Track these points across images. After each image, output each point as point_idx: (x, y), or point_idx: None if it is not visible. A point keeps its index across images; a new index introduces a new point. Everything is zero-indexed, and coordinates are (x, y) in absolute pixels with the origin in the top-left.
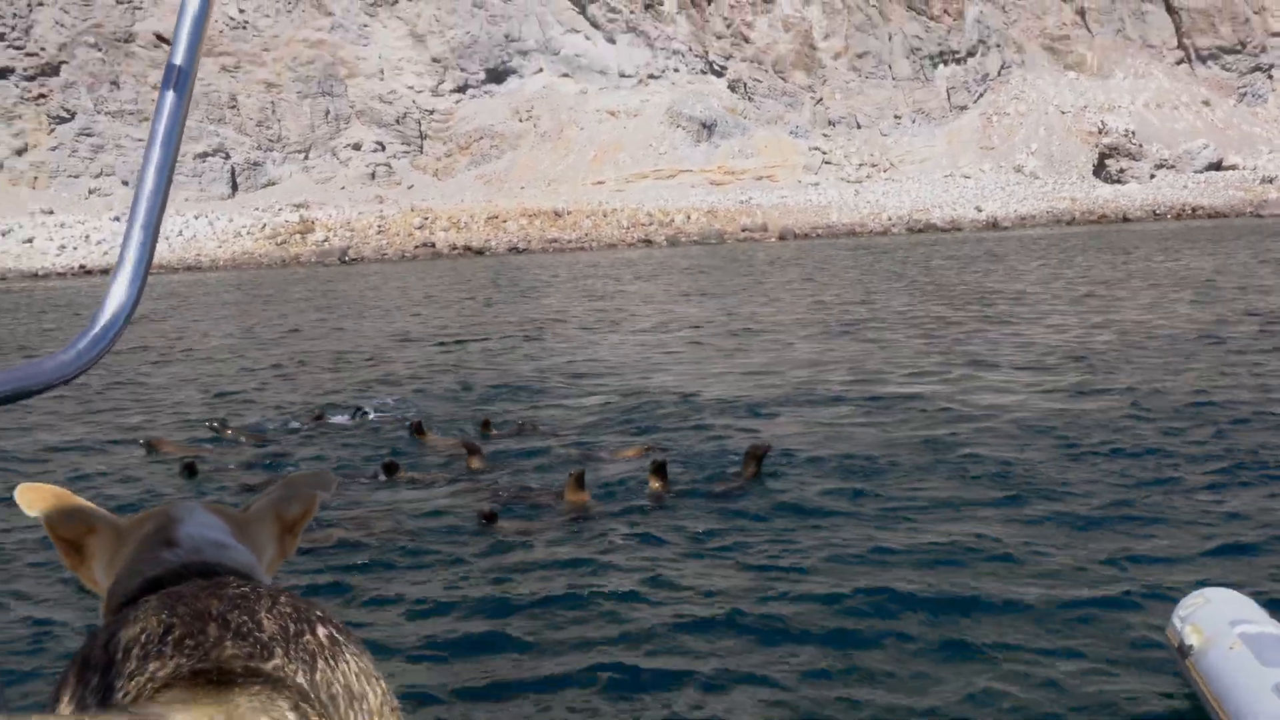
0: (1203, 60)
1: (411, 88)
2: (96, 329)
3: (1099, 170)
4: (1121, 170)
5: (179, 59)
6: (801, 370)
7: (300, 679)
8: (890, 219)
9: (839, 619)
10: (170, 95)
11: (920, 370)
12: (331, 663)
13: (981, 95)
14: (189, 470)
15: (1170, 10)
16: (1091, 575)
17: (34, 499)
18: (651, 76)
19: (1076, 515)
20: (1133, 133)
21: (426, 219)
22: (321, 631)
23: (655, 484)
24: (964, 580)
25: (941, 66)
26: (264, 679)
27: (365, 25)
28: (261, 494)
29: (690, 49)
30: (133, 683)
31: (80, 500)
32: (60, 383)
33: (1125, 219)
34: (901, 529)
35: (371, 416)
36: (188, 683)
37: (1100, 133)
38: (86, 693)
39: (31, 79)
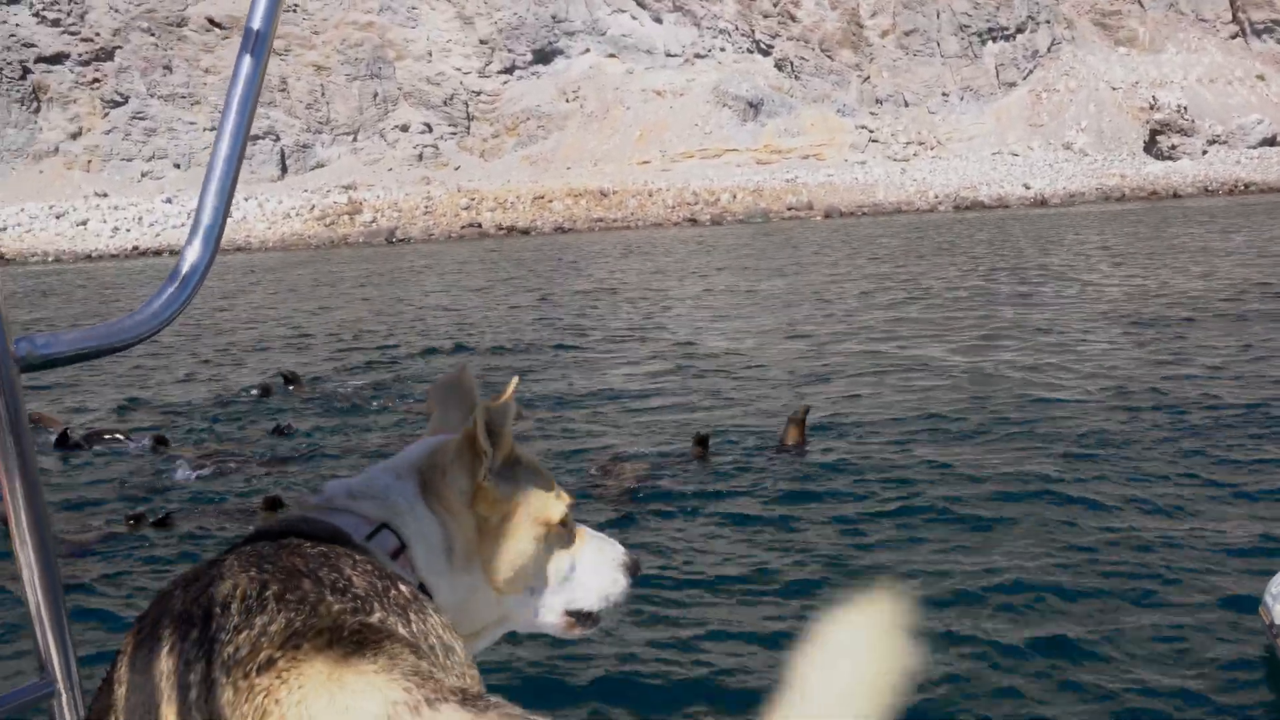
0: (1257, 34)
1: (459, 69)
2: (171, 289)
3: (1150, 147)
4: (1173, 146)
5: (257, 22)
6: (862, 341)
7: (402, 630)
8: (937, 197)
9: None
10: (247, 60)
11: (989, 338)
12: (421, 616)
13: (1031, 72)
14: (159, 442)
15: None
16: (1182, 552)
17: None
18: (698, 56)
19: (1162, 489)
20: (1185, 108)
21: (473, 200)
22: (404, 588)
23: (697, 452)
24: (1043, 553)
25: (990, 43)
26: (384, 634)
27: (414, 8)
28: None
29: (736, 28)
30: (241, 636)
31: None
32: (137, 341)
33: (1176, 195)
34: (978, 498)
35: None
36: (317, 645)
37: (1152, 109)
38: (187, 645)
39: (86, 64)
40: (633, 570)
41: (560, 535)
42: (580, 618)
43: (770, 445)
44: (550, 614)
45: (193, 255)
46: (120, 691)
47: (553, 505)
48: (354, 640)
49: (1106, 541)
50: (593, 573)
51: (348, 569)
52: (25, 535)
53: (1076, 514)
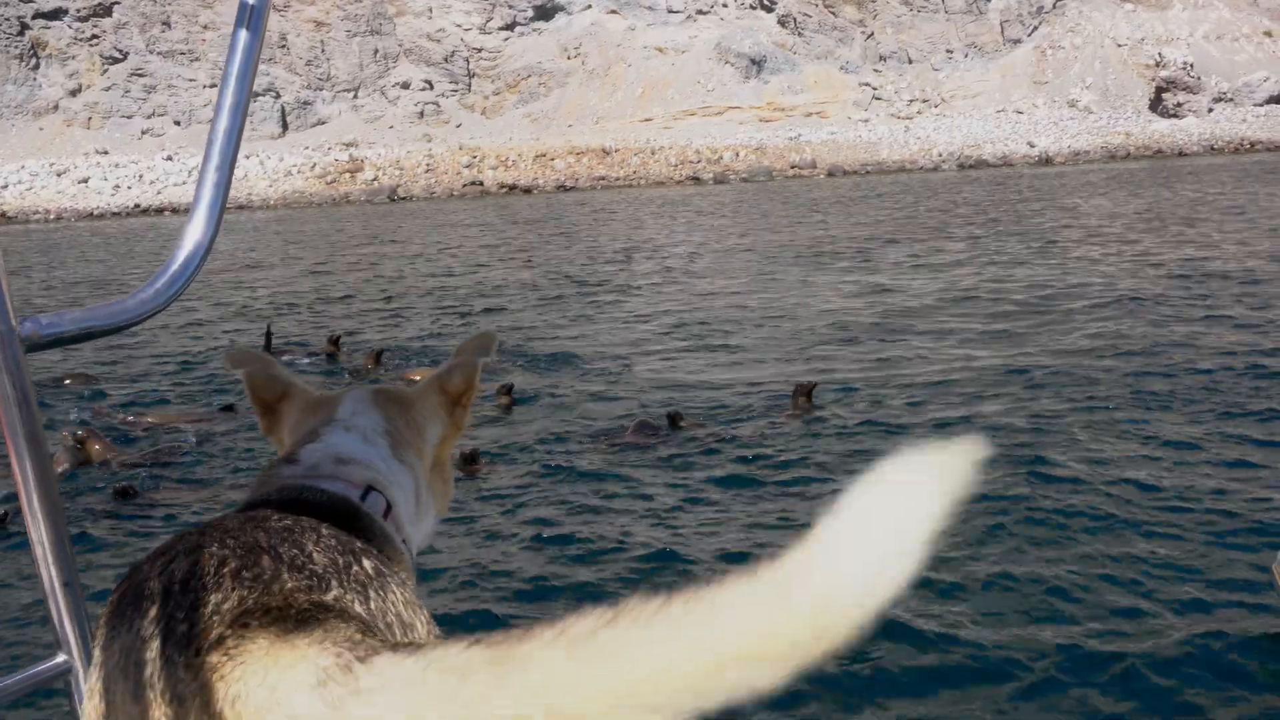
0: None
1: (460, 26)
2: (174, 267)
3: (1155, 104)
4: (1179, 104)
5: None
6: (874, 303)
7: (359, 609)
8: (940, 155)
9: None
10: (244, 34)
11: (1017, 303)
12: (381, 593)
13: (1036, 28)
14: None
15: None
16: (1196, 514)
17: (239, 359)
18: (700, 12)
19: (1178, 451)
20: (1191, 65)
21: (474, 157)
22: (367, 563)
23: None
24: (1060, 514)
25: None
26: (333, 613)
27: None
28: (443, 365)
29: None
30: (196, 613)
31: (281, 369)
32: (140, 320)
33: (1181, 154)
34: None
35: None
36: (264, 622)
37: (1157, 65)
38: (148, 623)
39: (84, 20)
40: None
41: None
42: None
43: (774, 408)
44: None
45: (195, 233)
46: (93, 672)
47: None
48: (299, 618)
49: (1114, 505)
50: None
51: (310, 545)
52: (37, 513)
53: (1079, 475)
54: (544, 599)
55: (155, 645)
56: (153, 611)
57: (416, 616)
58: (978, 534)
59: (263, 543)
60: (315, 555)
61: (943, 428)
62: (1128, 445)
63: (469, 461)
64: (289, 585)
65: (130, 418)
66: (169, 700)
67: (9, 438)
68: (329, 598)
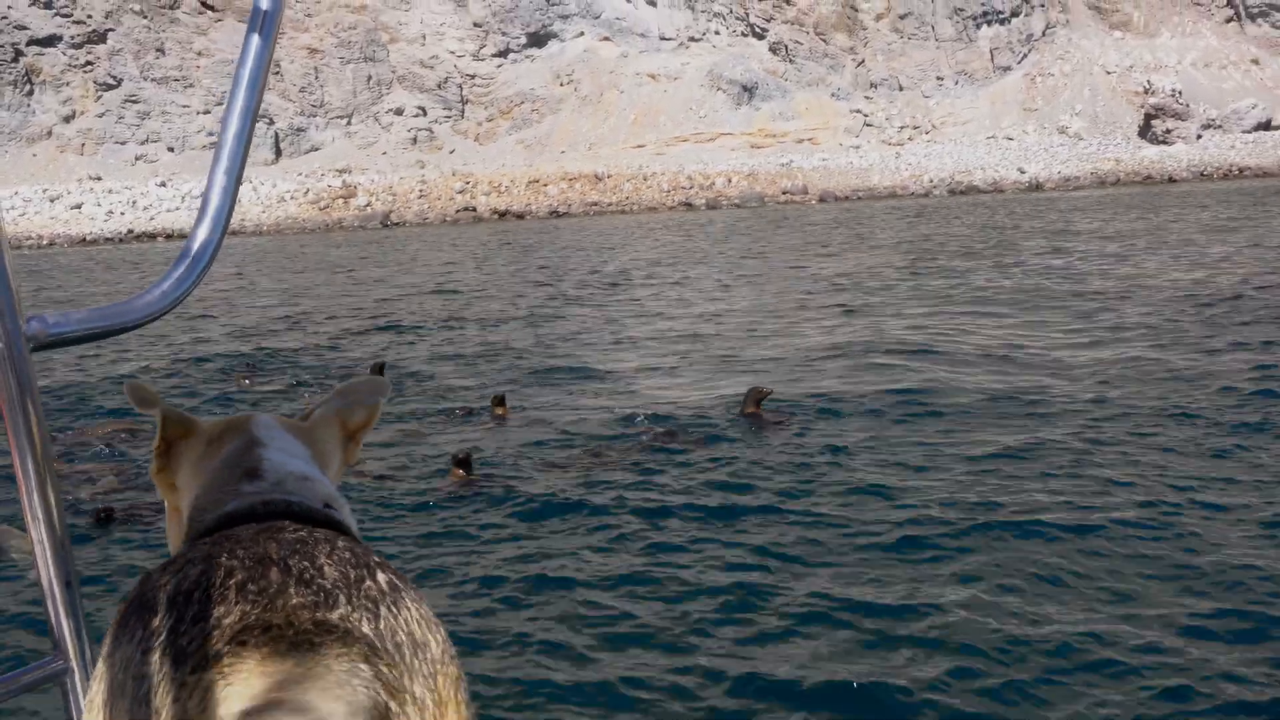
0: (1252, 18)
1: (453, 52)
2: (181, 269)
3: (1145, 131)
4: (1168, 131)
5: (265, 3)
6: (860, 329)
7: (366, 627)
8: (932, 181)
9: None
10: (255, 39)
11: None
12: (394, 610)
13: (1025, 56)
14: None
15: None
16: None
17: (150, 396)
18: (692, 39)
19: (1174, 474)
20: (1179, 92)
21: (468, 183)
22: (381, 577)
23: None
24: (1086, 536)
25: (985, 27)
26: (335, 634)
27: None
28: (322, 401)
29: (731, 11)
30: (198, 628)
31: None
32: (147, 320)
33: (1171, 180)
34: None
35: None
36: (259, 641)
37: (1146, 93)
38: (149, 636)
39: (79, 46)
40: None
41: None
42: None
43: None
44: None
45: (202, 235)
46: (94, 684)
47: None
48: (295, 639)
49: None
50: None
51: (322, 557)
52: (37, 513)
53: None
54: (536, 607)
55: (155, 659)
56: (155, 623)
57: (431, 634)
58: (947, 579)
59: (273, 554)
60: (326, 569)
61: (930, 451)
62: (1124, 469)
63: (461, 465)
64: (294, 601)
65: (70, 433)
66: (168, 717)
67: (11, 436)
68: (334, 616)
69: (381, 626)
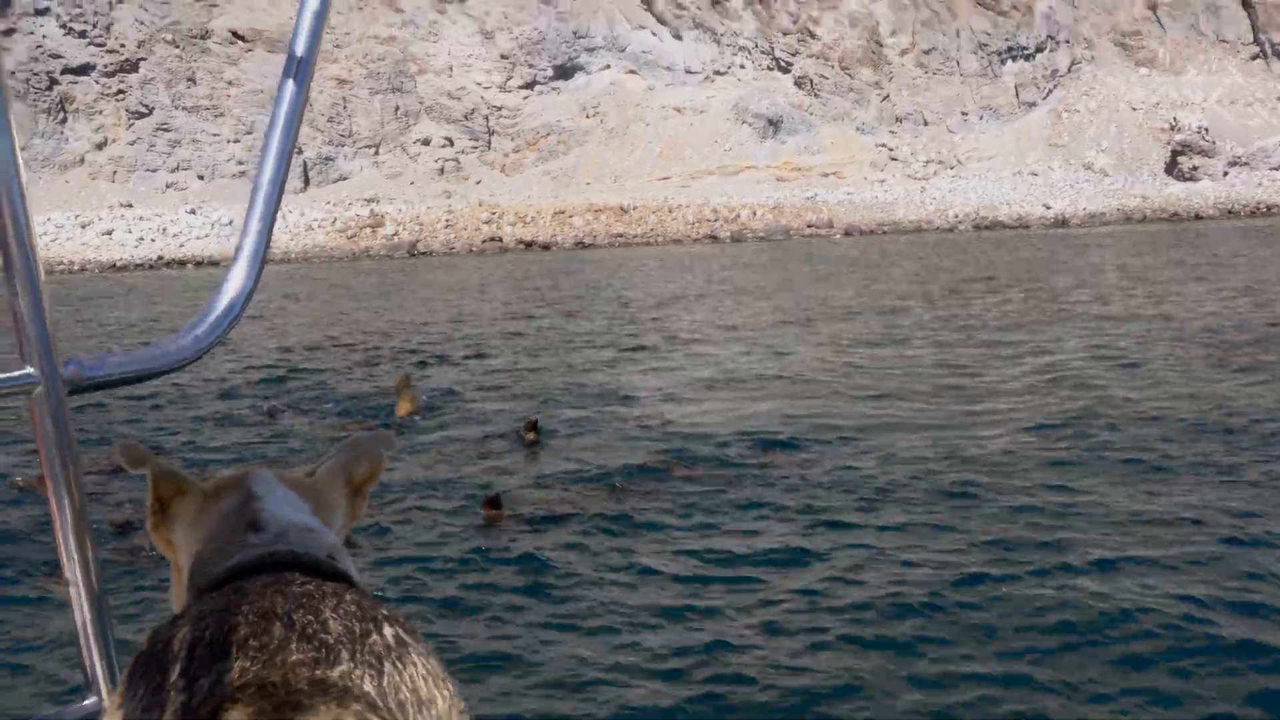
0: (1279, 55)
1: (480, 84)
2: (216, 313)
3: (1171, 168)
4: (1194, 168)
5: (300, 49)
6: (892, 355)
7: (368, 685)
8: (957, 216)
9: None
10: (290, 84)
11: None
12: (399, 666)
13: (1051, 92)
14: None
15: (1245, 5)
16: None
17: (141, 455)
18: (718, 73)
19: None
20: (1206, 130)
21: (494, 214)
22: (388, 631)
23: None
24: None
25: (1010, 63)
26: (332, 694)
27: (435, 22)
28: (326, 456)
29: (756, 45)
30: (198, 685)
31: (167, 463)
32: (179, 366)
33: (1198, 217)
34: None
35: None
36: (250, 699)
37: (1172, 129)
38: (151, 692)
39: (111, 75)
40: None
41: None
42: None
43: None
44: None
45: (237, 280)
46: None
47: None
48: (293, 699)
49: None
50: None
51: (327, 612)
52: (72, 553)
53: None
54: (561, 645)
55: (155, 715)
56: (159, 680)
57: (438, 691)
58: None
59: (278, 609)
60: (331, 623)
61: (955, 495)
62: (1148, 508)
63: (491, 505)
64: (293, 658)
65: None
66: None
67: (48, 478)
68: (335, 673)
69: (384, 684)
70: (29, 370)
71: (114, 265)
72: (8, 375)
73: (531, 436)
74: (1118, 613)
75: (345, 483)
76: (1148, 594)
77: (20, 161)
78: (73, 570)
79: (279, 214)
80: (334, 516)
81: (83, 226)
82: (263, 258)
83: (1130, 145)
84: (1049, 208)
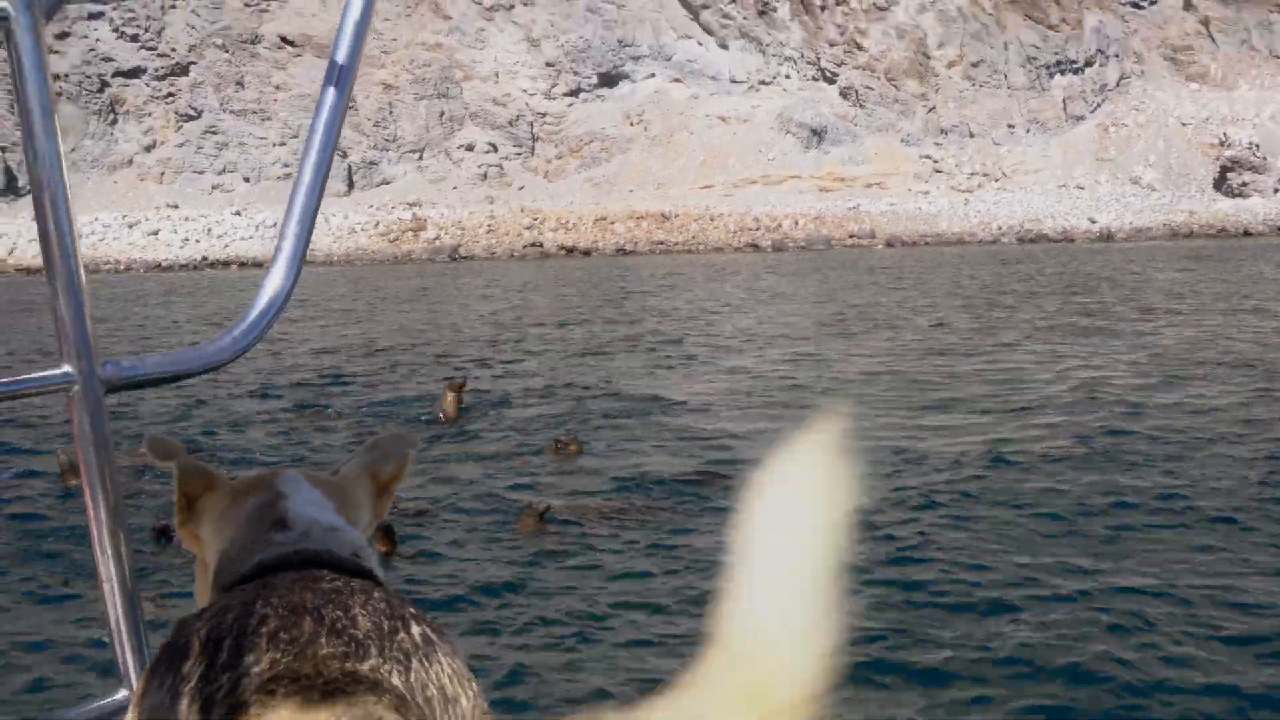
0: None
1: (525, 91)
2: (252, 316)
3: (1220, 183)
4: (1244, 184)
5: (341, 57)
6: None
7: (396, 680)
8: (1000, 229)
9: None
10: (331, 91)
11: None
12: (426, 663)
13: (1099, 105)
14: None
15: None
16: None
17: (170, 449)
18: (763, 83)
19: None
20: (1257, 145)
21: (535, 219)
22: (416, 629)
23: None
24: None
25: (1058, 76)
26: (365, 685)
27: (481, 29)
28: (351, 456)
29: (803, 55)
30: (227, 675)
31: (195, 459)
32: (218, 365)
33: (1246, 233)
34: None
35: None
36: (289, 691)
37: (1222, 145)
38: (179, 682)
39: (162, 79)
40: None
41: None
42: None
43: None
44: None
45: (275, 283)
46: None
47: None
48: (325, 689)
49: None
50: None
51: (356, 608)
52: (106, 549)
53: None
54: (596, 660)
55: (183, 706)
56: (186, 670)
57: (463, 690)
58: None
59: (307, 603)
60: (360, 619)
61: (996, 504)
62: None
63: (535, 516)
64: (323, 651)
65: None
66: None
67: (84, 475)
68: (365, 667)
69: (412, 680)
70: (67, 369)
71: (159, 265)
72: (46, 374)
73: (574, 449)
74: (1156, 621)
75: (370, 481)
76: (1190, 591)
77: (64, 165)
78: (106, 566)
79: (319, 217)
80: (359, 515)
81: (130, 226)
82: (301, 260)
83: (1178, 160)
84: (1094, 221)
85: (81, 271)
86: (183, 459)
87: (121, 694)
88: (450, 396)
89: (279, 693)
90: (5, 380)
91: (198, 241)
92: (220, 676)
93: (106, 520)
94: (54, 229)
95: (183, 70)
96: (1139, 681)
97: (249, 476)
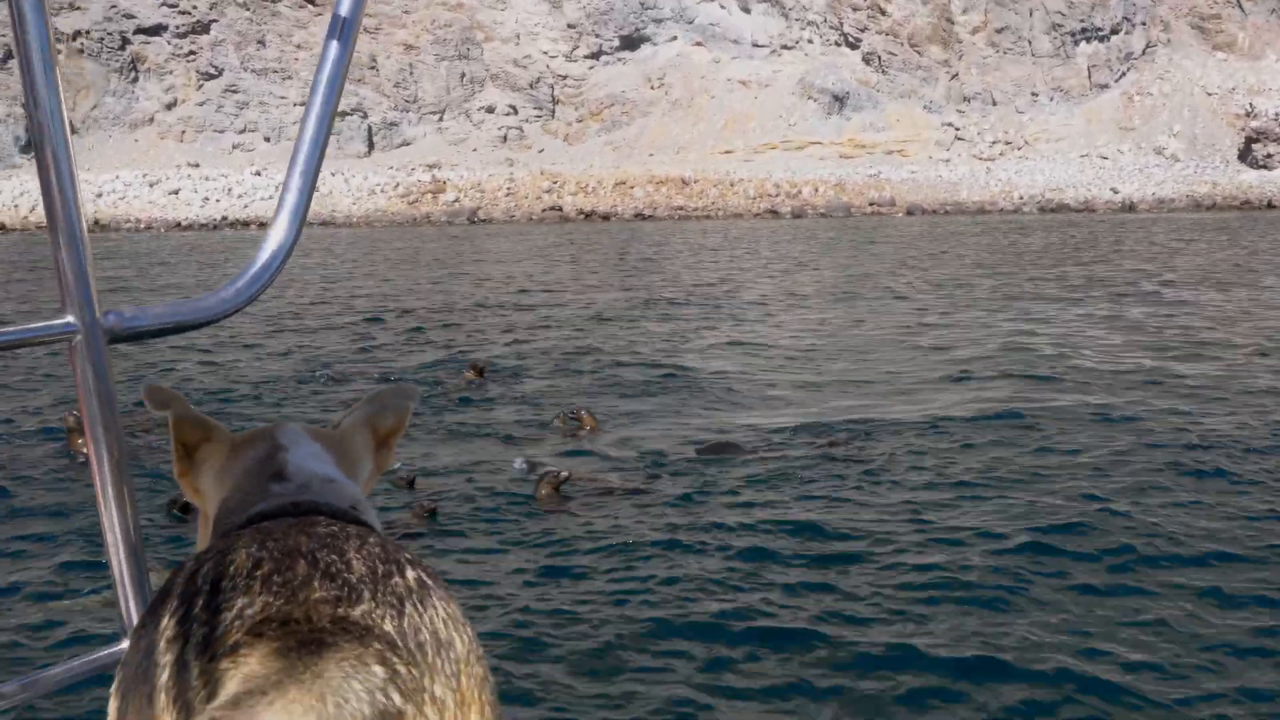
0: None
1: (546, 53)
2: (255, 268)
3: (1244, 155)
4: (1269, 155)
5: (344, 9)
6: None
7: (388, 625)
8: (1021, 198)
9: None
10: (334, 45)
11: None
12: (419, 607)
13: (1124, 74)
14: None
15: None
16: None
17: (166, 398)
18: (785, 47)
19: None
20: None
21: (555, 183)
22: (410, 574)
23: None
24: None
25: (1084, 44)
26: (354, 633)
27: None
28: (352, 409)
29: (825, 20)
30: (219, 617)
31: (197, 410)
32: (221, 317)
33: (1270, 205)
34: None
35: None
36: (275, 635)
37: (1248, 115)
38: (174, 623)
39: (183, 36)
40: None
41: None
42: None
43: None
44: None
45: (277, 235)
46: (118, 670)
47: None
48: (315, 636)
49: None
50: None
51: (351, 552)
52: (110, 501)
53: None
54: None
55: (176, 647)
56: (180, 611)
57: (457, 633)
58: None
59: (303, 547)
60: (354, 563)
61: (1012, 483)
62: (1225, 499)
63: (555, 487)
64: (316, 595)
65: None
66: (179, 707)
67: (88, 427)
68: (357, 612)
69: (404, 624)
70: (69, 319)
71: (179, 224)
72: (48, 324)
73: (591, 424)
74: (1188, 601)
75: (370, 434)
76: (1216, 579)
77: (66, 118)
78: (110, 518)
79: (340, 179)
80: (359, 468)
81: (150, 185)
82: (303, 215)
83: (1203, 130)
84: (1116, 192)
85: (84, 221)
86: (179, 407)
87: (124, 645)
88: (470, 374)
89: (265, 635)
90: (8, 330)
91: (218, 201)
92: (213, 619)
93: (111, 473)
94: (55, 179)
95: (204, 28)
96: (1137, 681)
97: (248, 432)
